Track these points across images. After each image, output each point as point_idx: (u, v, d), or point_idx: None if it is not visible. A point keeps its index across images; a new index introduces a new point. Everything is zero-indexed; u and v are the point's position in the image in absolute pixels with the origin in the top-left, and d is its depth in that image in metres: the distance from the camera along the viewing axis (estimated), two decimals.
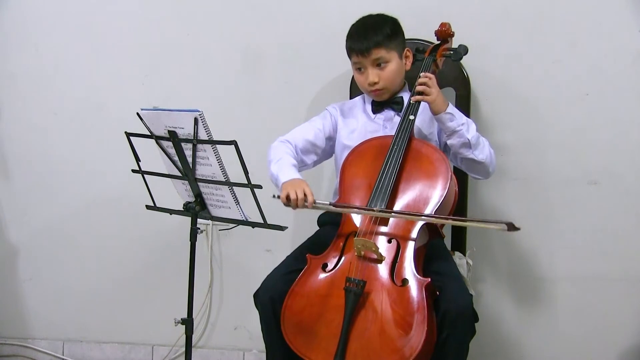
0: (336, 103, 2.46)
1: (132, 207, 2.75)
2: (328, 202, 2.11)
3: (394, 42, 2.27)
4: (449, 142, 2.21)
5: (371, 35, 2.24)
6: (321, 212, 2.30)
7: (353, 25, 2.33)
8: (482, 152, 2.21)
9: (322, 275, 2.08)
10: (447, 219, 2.11)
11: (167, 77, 2.84)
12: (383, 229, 2.09)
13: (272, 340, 2.13)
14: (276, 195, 2.11)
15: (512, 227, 1.91)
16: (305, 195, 2.08)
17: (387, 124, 2.34)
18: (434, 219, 2.06)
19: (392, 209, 2.09)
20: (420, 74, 2.22)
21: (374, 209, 2.06)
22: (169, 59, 2.83)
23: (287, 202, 2.09)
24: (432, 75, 2.21)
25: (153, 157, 2.18)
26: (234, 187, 2.04)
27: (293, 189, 2.08)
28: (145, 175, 2.22)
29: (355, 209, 2.10)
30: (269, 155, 2.28)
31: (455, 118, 2.18)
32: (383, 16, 2.32)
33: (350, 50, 2.30)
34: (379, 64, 2.26)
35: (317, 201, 2.09)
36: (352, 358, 1.95)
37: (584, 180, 2.59)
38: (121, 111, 2.62)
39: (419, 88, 2.19)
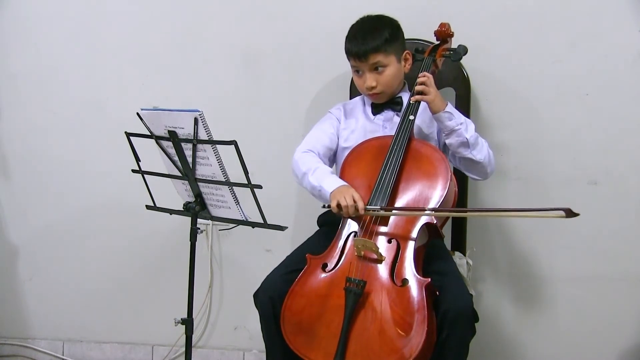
0: (339, 104, 2.46)
1: (132, 207, 2.75)
2: (379, 207, 2.07)
3: (393, 46, 2.26)
4: (447, 141, 2.21)
5: (369, 39, 2.23)
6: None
7: (352, 27, 2.32)
8: (481, 152, 2.21)
9: (322, 275, 2.08)
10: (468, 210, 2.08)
11: (167, 77, 2.84)
12: (383, 229, 2.09)
13: (271, 340, 2.13)
14: (326, 205, 2.10)
15: (570, 213, 1.83)
16: (355, 201, 2.06)
17: (386, 124, 2.34)
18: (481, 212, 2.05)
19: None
20: (419, 74, 2.22)
21: (425, 208, 2.05)
22: (169, 59, 2.83)
23: (339, 210, 2.07)
24: (430, 75, 2.21)
25: (153, 157, 2.18)
26: (234, 187, 2.04)
27: (342, 196, 2.07)
28: (145, 175, 2.22)
29: (410, 211, 2.07)
30: (297, 168, 2.26)
31: (454, 117, 2.18)
32: (382, 19, 2.31)
33: (348, 54, 2.30)
34: (376, 68, 2.26)
35: (367, 206, 2.08)
36: (352, 358, 1.95)
37: (584, 180, 2.59)
38: (121, 111, 2.62)
39: (418, 88, 2.19)
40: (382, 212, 2.07)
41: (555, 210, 1.84)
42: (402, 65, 2.31)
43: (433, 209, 2.06)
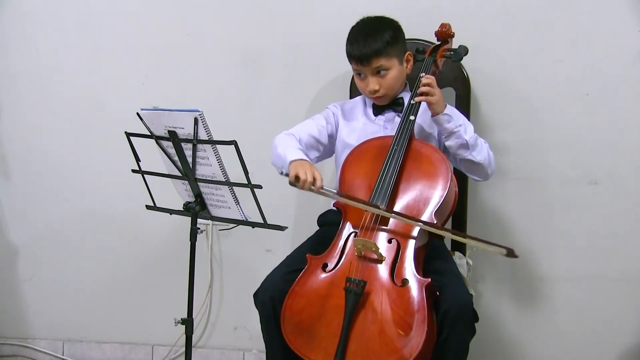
0: (337, 102, 2.46)
1: (132, 207, 2.75)
2: (335, 190, 2.09)
3: (394, 48, 2.25)
4: (446, 143, 2.21)
5: (371, 43, 2.22)
6: (323, 197, 2.23)
7: (352, 29, 2.31)
8: (480, 154, 2.21)
9: (322, 275, 2.08)
10: (448, 231, 2.09)
11: (167, 77, 2.84)
12: (383, 229, 2.09)
13: (272, 340, 2.13)
14: (284, 173, 2.09)
15: (511, 253, 1.96)
16: (314, 178, 2.05)
17: (387, 125, 2.34)
18: (435, 229, 2.06)
19: (392, 209, 2.09)
20: (422, 75, 2.21)
21: (379, 205, 2.05)
22: (169, 59, 2.83)
23: (295, 181, 2.05)
24: (432, 77, 2.20)
25: (153, 157, 2.18)
26: (234, 187, 2.04)
27: (303, 170, 2.05)
28: (145, 175, 2.22)
29: (359, 202, 2.07)
30: (274, 143, 2.26)
31: (453, 119, 2.18)
32: (383, 21, 2.30)
33: (350, 57, 2.29)
34: (379, 71, 2.25)
35: (324, 187, 2.07)
36: (352, 358, 1.95)
37: (584, 180, 2.59)
38: (121, 111, 2.61)
39: (423, 89, 2.18)
40: (336, 196, 2.09)
41: (499, 247, 1.98)
42: (404, 67, 2.31)
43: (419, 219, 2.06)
